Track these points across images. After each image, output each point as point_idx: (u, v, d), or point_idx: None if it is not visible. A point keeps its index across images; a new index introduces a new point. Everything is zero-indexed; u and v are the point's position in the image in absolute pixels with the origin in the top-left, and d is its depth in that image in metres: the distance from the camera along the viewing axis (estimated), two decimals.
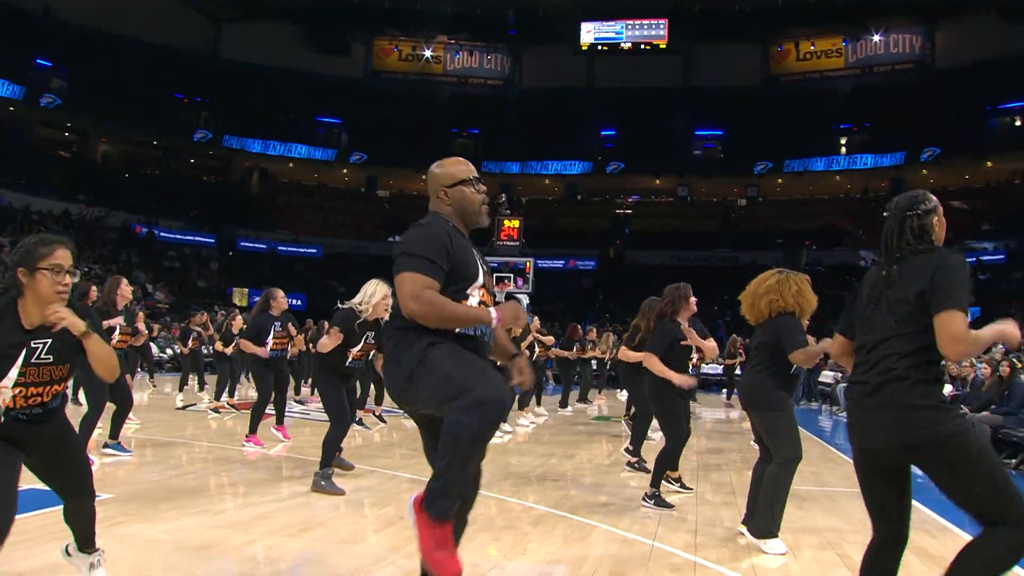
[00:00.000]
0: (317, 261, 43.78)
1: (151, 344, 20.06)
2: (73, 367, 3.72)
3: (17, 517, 3.44)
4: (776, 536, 5.37)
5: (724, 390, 22.54)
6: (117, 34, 39.62)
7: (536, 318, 13.43)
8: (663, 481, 7.28)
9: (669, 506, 6.82)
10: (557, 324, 26.85)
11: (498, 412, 3.15)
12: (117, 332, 8.58)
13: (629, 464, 8.97)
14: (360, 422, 12.18)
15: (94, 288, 10.23)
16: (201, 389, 17.04)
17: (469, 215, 3.57)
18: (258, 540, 5.32)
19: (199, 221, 42.37)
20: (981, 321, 3.55)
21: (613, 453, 10.36)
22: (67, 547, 4.11)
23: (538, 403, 15.88)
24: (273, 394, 10.07)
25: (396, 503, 6.68)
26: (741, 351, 20.24)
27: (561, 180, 47.15)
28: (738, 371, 20.13)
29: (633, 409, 10.89)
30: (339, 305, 8.02)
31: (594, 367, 19.95)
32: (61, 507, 3.93)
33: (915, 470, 3.31)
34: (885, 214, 3.49)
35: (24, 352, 3.47)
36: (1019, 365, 11.48)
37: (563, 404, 16.96)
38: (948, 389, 13.64)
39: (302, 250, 43.97)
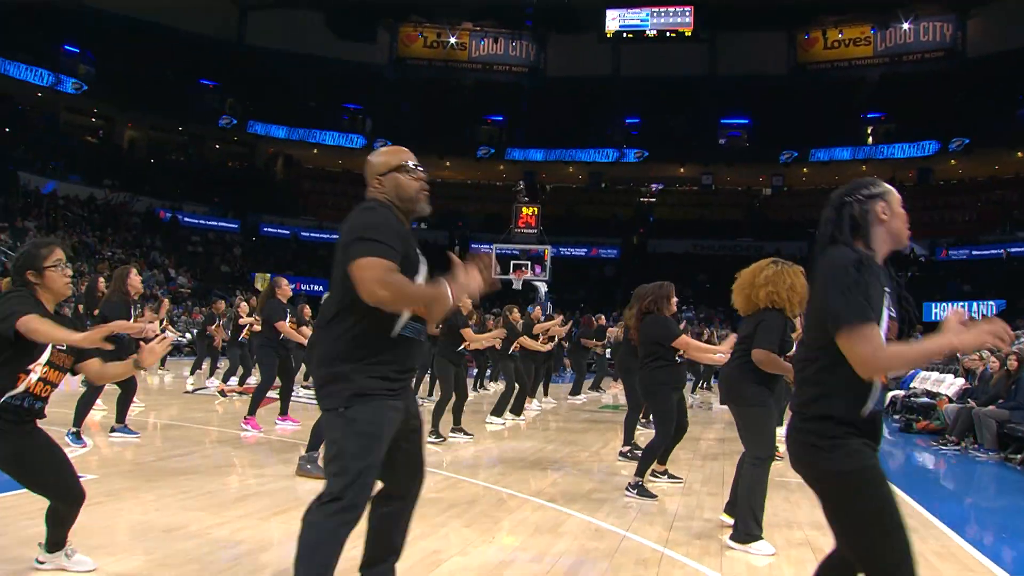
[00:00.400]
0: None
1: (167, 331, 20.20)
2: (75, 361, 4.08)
3: None
4: (760, 538, 5.24)
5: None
6: (144, 20, 39.90)
7: (537, 308, 13.36)
8: (650, 476, 7.25)
9: (652, 496, 6.76)
10: (578, 313, 26.77)
11: (350, 526, 3.07)
12: (132, 320, 8.61)
13: (622, 453, 8.92)
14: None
15: (102, 280, 10.33)
16: (212, 374, 17.14)
17: (406, 203, 3.35)
18: (230, 522, 5.32)
19: (223, 207, 42.63)
20: (1007, 315, 3.24)
21: (612, 442, 10.30)
22: (37, 558, 4.16)
23: (545, 392, 15.86)
24: (279, 381, 10.15)
25: None
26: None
27: (585, 168, 47.00)
28: None
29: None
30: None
31: (609, 356, 19.77)
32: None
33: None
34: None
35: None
36: None
37: (575, 392, 16.90)
38: (960, 383, 13.45)
39: (325, 236, 43.99)
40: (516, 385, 12.04)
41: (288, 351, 10.28)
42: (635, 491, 6.79)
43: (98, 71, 39.21)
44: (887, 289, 2.83)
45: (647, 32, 44.35)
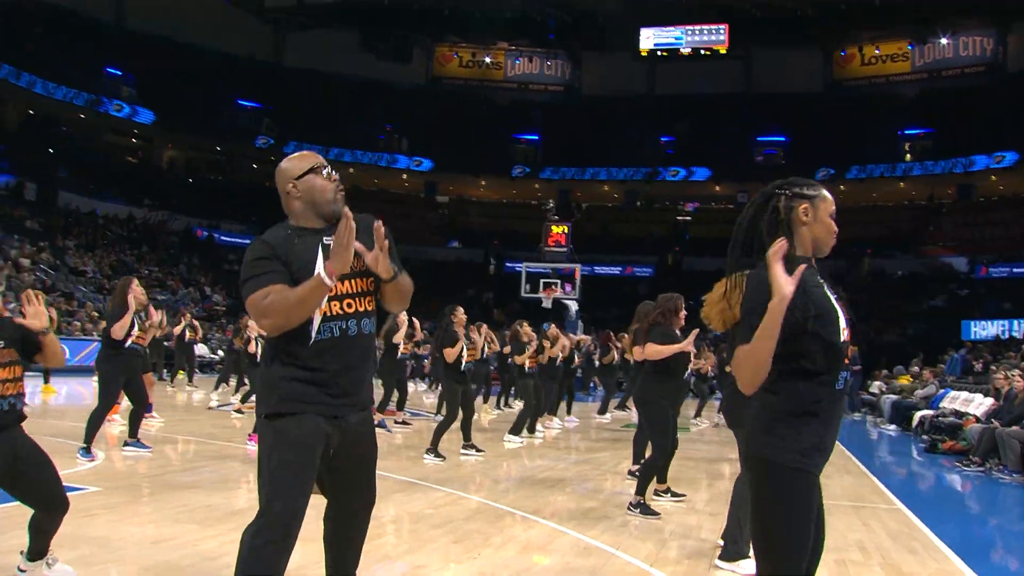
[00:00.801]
0: None
1: (195, 345, 20.45)
2: (21, 356, 4.06)
3: None
4: (747, 556, 5.16)
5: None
6: (184, 43, 40.57)
7: (552, 325, 13.28)
8: (652, 495, 7.20)
9: (655, 514, 6.69)
10: (610, 331, 26.61)
11: (277, 544, 2.99)
12: (136, 330, 8.73)
13: (631, 472, 8.84)
14: (382, 424, 12.24)
15: (138, 288, 10.47)
16: (237, 391, 17.27)
17: (321, 204, 3.25)
18: (219, 535, 5.35)
19: (260, 225, 42.99)
20: None
21: (626, 461, 10.22)
22: (19, 567, 4.21)
23: (568, 411, 15.79)
24: None
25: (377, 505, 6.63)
26: None
27: (620, 187, 46.92)
28: None
29: None
30: None
31: None
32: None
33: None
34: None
35: None
36: None
37: (601, 411, 16.82)
38: (989, 403, 13.17)
39: None
40: (534, 403, 12.02)
41: None
42: (637, 510, 6.73)
43: (140, 92, 39.88)
44: (825, 287, 2.89)
45: (681, 50, 44.21)
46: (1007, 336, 29.64)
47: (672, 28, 43.94)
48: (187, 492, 6.85)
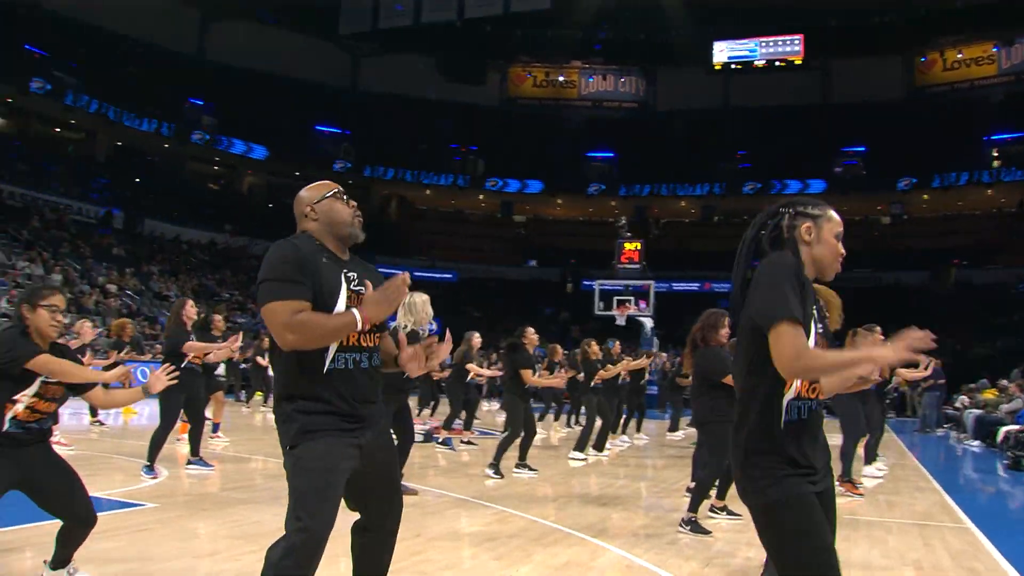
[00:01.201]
0: (452, 286, 44.35)
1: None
2: (67, 391, 4.29)
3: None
4: None
5: None
6: (262, 72, 41.77)
7: (617, 342, 13.15)
8: (708, 512, 7.08)
9: (706, 532, 6.55)
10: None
11: (304, 567, 3.00)
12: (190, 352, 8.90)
13: (688, 489, 8.68)
14: (447, 442, 12.30)
15: (218, 317, 10.77)
16: None
17: (339, 227, 3.33)
18: (261, 550, 5.33)
19: None
20: None
21: (687, 479, 10.06)
22: (42, 574, 4.35)
23: (638, 428, 15.64)
24: None
25: (416, 525, 6.65)
26: None
27: (698, 202, 46.46)
28: None
29: None
30: (398, 328, 7.94)
31: None
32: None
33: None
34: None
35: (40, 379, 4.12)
36: None
37: (672, 428, 16.60)
38: None
39: (437, 275, 44.64)
40: (598, 419, 11.92)
41: None
42: (688, 527, 6.61)
43: (220, 121, 41.02)
44: (815, 308, 2.75)
45: (755, 63, 43.75)
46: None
47: (746, 41, 43.53)
48: (240, 508, 6.95)
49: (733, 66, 44.45)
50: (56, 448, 9.63)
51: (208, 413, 11.80)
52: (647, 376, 15.81)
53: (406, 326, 7.65)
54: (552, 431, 15.98)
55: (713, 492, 7.21)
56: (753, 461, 2.70)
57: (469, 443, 12.93)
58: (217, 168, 43.96)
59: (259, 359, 18.60)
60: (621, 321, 28.39)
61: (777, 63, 43.41)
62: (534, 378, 9.78)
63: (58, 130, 39.86)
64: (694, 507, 6.71)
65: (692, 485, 8.61)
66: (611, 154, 47.90)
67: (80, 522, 4.21)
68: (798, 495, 2.66)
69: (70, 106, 36.36)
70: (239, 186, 45.34)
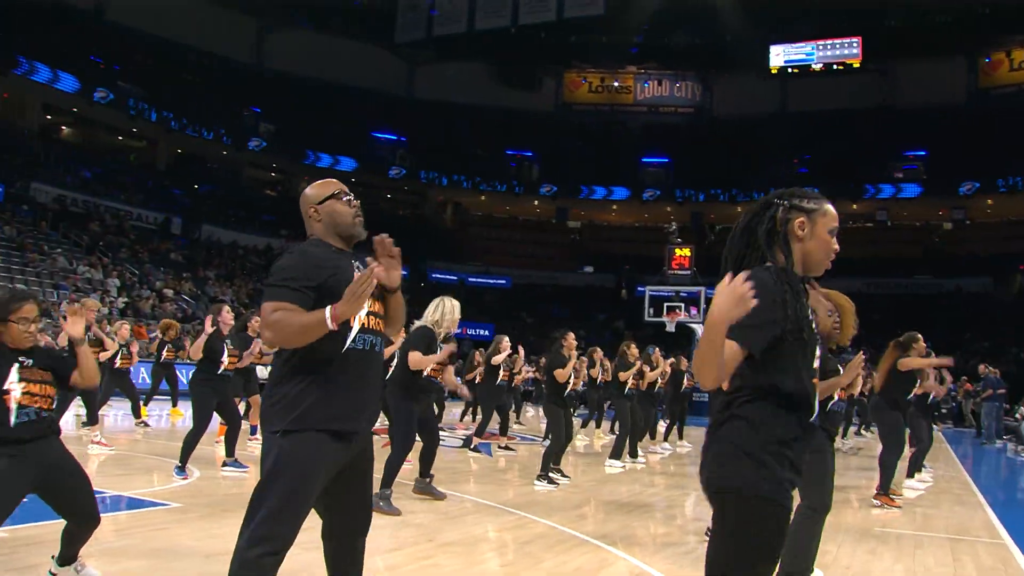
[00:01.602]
0: (506, 291, 44.47)
1: None
2: (55, 380, 4.33)
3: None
4: None
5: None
6: (319, 79, 42.38)
7: (657, 349, 12.97)
8: None
9: None
10: None
11: (271, 557, 3.03)
12: (225, 356, 8.98)
13: None
14: (479, 449, 12.31)
15: (256, 319, 10.90)
16: None
17: (342, 227, 3.43)
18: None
19: None
20: None
21: None
22: (50, 571, 4.41)
23: (680, 435, 15.48)
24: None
25: (431, 530, 6.65)
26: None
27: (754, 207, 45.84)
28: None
29: None
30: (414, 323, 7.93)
31: None
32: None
33: None
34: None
35: (16, 365, 4.17)
36: None
37: None
38: None
39: (491, 281, 44.81)
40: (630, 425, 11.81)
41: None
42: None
43: (277, 128, 41.65)
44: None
45: (813, 66, 43.19)
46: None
47: (802, 44, 43.02)
48: None
49: (790, 70, 43.94)
50: (95, 448, 9.86)
51: (248, 416, 11.98)
52: (687, 383, 15.63)
53: (426, 322, 7.65)
54: (594, 438, 15.89)
55: None
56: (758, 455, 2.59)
57: (507, 448, 12.90)
58: (274, 175, 44.62)
59: None
60: (671, 328, 28.17)
61: (835, 66, 42.80)
62: (563, 375, 9.63)
63: (121, 138, 40.95)
64: None
65: None
66: (666, 159, 47.55)
67: (83, 521, 4.27)
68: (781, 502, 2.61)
69: (132, 115, 37.26)
70: (295, 193, 45.86)
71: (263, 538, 3.02)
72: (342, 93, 43.43)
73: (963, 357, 33.23)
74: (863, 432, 19.54)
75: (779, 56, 43.71)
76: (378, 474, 7.39)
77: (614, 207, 48.47)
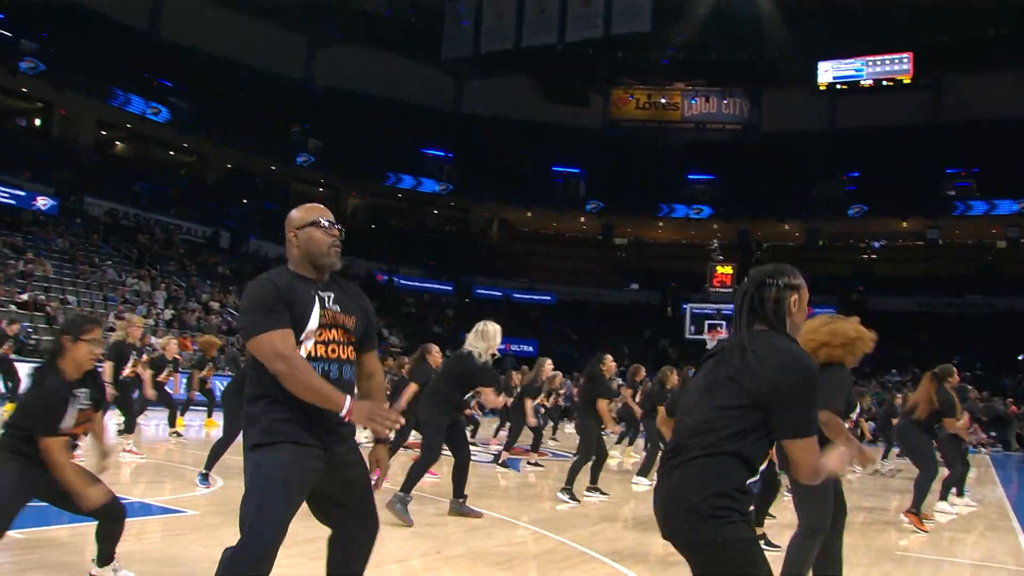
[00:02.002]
0: (551, 308, 44.43)
1: None
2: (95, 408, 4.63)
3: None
4: None
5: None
6: (368, 95, 42.86)
7: (684, 368, 12.87)
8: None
9: (775, 547, 6.38)
10: None
11: (257, 568, 3.13)
12: None
13: None
14: (507, 464, 12.31)
15: None
16: None
17: (316, 256, 3.48)
18: (286, 559, 5.38)
19: (438, 270, 44.35)
20: None
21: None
22: (90, 572, 4.63)
23: None
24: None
25: (441, 543, 6.65)
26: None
27: (802, 225, 45.48)
28: None
29: None
30: (473, 354, 7.92)
31: None
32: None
33: None
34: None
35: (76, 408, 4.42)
36: None
37: None
38: None
39: (536, 297, 44.82)
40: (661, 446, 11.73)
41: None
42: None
43: (325, 144, 42.13)
44: None
45: (862, 82, 42.58)
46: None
47: (852, 60, 42.38)
48: None
49: (839, 86, 43.33)
50: (126, 456, 10.03)
51: None
52: None
53: (481, 353, 7.70)
54: (625, 455, 15.79)
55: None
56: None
57: (536, 464, 12.88)
58: (321, 190, 45.09)
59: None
60: (712, 345, 27.93)
61: (884, 82, 42.15)
62: (605, 410, 9.64)
63: (172, 153, 41.79)
64: (758, 522, 6.54)
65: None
66: (713, 176, 47.22)
67: (111, 518, 4.47)
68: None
69: (183, 131, 38.00)
70: (343, 208, 46.41)
71: (246, 547, 3.12)
72: (389, 109, 43.81)
73: (1015, 378, 32.58)
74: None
75: (827, 72, 43.16)
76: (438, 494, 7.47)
77: (660, 224, 48.27)
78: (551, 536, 7.14)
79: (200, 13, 38.22)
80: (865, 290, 41.51)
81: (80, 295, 25.04)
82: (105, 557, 4.55)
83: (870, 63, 42.14)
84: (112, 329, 18.10)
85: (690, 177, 47.45)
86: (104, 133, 39.05)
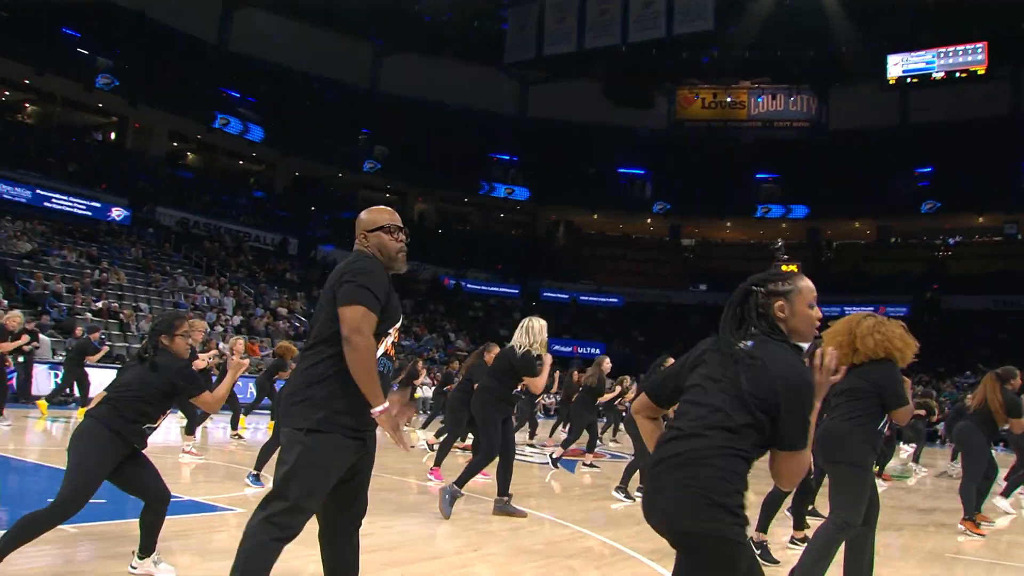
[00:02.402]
0: (618, 310, 44.29)
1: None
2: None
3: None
4: None
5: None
6: (433, 101, 43.27)
7: None
8: (789, 544, 6.84)
9: (774, 561, 6.28)
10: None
11: (282, 543, 3.33)
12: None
13: (788, 510, 8.30)
14: (558, 464, 12.31)
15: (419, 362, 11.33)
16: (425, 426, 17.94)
17: (386, 260, 3.70)
18: (302, 557, 5.54)
19: (504, 273, 44.52)
20: None
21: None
22: (131, 564, 4.76)
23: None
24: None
25: (479, 540, 6.68)
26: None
27: (873, 223, 44.63)
28: None
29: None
30: (515, 347, 8.03)
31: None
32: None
33: None
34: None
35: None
36: None
37: None
38: None
39: (603, 299, 44.71)
40: None
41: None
42: (758, 551, 6.34)
43: (392, 150, 42.63)
44: None
45: (934, 75, 41.52)
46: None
47: (922, 52, 41.38)
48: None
49: (909, 80, 42.36)
50: (185, 456, 10.26)
51: None
52: None
53: (523, 347, 7.80)
54: None
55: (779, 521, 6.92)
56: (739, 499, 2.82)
57: (591, 466, 12.84)
58: (388, 196, 45.59)
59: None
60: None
61: (958, 74, 41.05)
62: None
63: (241, 163, 42.67)
64: (763, 527, 6.48)
65: (788, 506, 8.28)
66: (781, 175, 46.60)
67: (156, 501, 4.65)
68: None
69: (252, 140, 38.79)
70: (410, 213, 46.87)
71: (277, 525, 3.28)
72: (454, 114, 44.21)
73: None
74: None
75: (897, 66, 42.23)
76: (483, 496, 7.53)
77: (727, 224, 47.79)
78: (592, 535, 7.12)
79: (267, 25, 39.07)
80: (940, 288, 40.50)
81: (152, 302, 25.68)
82: (146, 547, 4.67)
83: (942, 55, 41.12)
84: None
85: (758, 176, 46.92)
86: (176, 145, 40.08)
